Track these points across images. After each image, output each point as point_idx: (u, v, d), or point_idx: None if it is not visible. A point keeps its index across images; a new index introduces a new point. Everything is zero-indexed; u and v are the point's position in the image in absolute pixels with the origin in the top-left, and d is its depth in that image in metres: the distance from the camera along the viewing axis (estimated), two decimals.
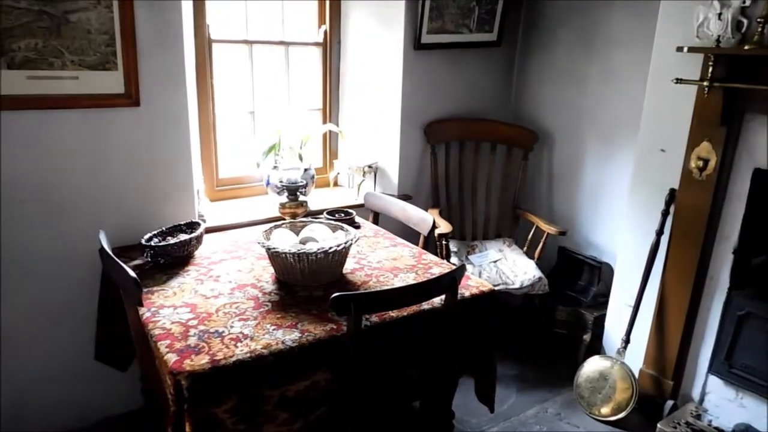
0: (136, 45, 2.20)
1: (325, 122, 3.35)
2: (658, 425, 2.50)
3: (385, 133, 3.23)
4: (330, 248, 1.98)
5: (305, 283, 2.04)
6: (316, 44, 3.25)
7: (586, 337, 3.06)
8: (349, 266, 2.22)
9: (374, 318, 1.82)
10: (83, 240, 2.25)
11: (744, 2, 2.17)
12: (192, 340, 1.66)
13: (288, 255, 1.97)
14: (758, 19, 2.12)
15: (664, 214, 2.60)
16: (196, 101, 2.81)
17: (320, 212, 2.75)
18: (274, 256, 2.04)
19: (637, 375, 2.71)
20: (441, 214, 3.18)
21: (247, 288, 2.03)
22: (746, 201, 2.38)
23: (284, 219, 2.59)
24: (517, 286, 2.93)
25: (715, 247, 2.50)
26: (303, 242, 2.13)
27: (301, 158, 3.01)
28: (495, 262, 3.12)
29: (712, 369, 2.54)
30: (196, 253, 2.31)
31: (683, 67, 2.39)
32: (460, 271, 1.88)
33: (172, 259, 2.19)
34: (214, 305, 1.89)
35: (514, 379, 2.96)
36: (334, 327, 1.77)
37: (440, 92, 3.26)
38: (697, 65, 2.35)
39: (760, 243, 2.40)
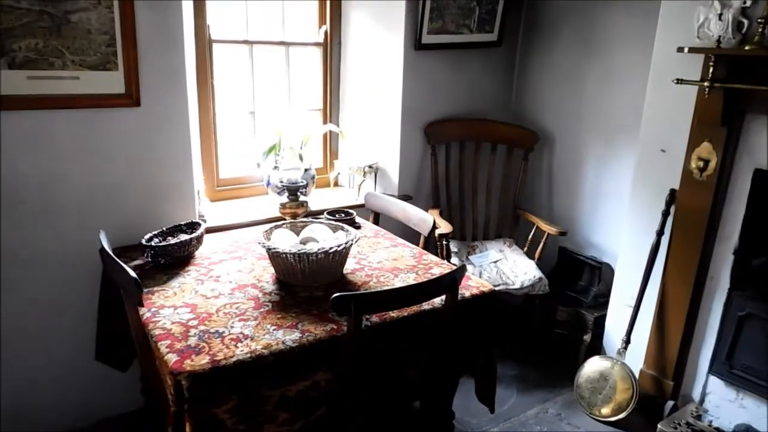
0: (136, 45, 2.20)
1: (325, 122, 3.35)
2: (659, 426, 2.50)
3: (385, 133, 3.23)
4: (330, 248, 1.98)
5: (306, 284, 2.04)
6: (317, 44, 3.25)
7: (587, 337, 3.05)
8: (349, 266, 2.22)
9: (375, 318, 1.82)
10: (84, 240, 2.25)
11: (745, 3, 2.16)
12: (192, 341, 1.66)
13: (288, 255, 1.97)
14: (759, 20, 2.12)
15: (665, 215, 2.60)
16: (197, 101, 2.81)
17: (321, 212, 2.75)
18: (275, 257, 2.04)
19: (637, 375, 2.71)
20: (441, 214, 3.18)
21: (248, 288, 2.03)
22: (747, 201, 2.37)
23: (285, 219, 2.59)
24: (517, 286, 2.93)
25: (716, 247, 2.50)
26: (303, 242, 2.13)
27: (301, 158, 3.01)
28: (495, 262, 3.12)
29: (713, 369, 2.54)
30: (197, 253, 2.31)
31: (684, 68, 2.39)
32: (460, 271, 1.88)
33: (172, 260, 2.19)
34: (215, 305, 1.89)
35: (514, 380, 2.96)
36: (335, 327, 1.77)
37: (441, 92, 3.26)
38: (698, 66, 2.35)
39: (761, 243, 2.40)
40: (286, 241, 2.11)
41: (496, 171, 3.43)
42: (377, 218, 2.95)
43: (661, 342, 2.69)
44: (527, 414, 2.71)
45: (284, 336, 1.71)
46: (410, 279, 2.16)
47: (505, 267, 3.07)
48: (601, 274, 3.21)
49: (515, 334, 3.36)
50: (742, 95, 2.27)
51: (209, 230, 2.52)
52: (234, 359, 1.58)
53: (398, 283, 2.11)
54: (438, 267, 2.28)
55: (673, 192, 2.57)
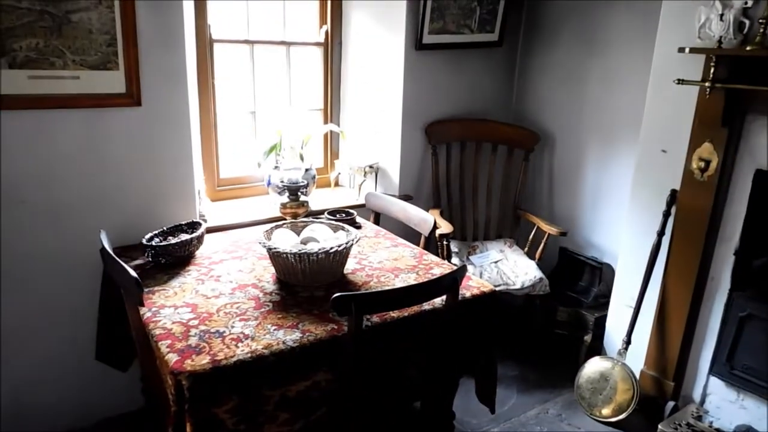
0: (137, 45, 2.20)
1: (326, 122, 3.35)
2: (659, 426, 2.50)
3: (386, 133, 3.23)
4: (331, 248, 1.98)
5: (306, 284, 2.04)
6: (318, 44, 3.25)
7: (587, 337, 3.05)
8: (350, 266, 2.22)
9: (375, 318, 1.82)
10: (84, 240, 2.25)
11: (746, 3, 2.16)
12: (193, 340, 1.66)
13: (289, 255, 1.97)
14: (760, 20, 2.12)
15: (666, 215, 2.59)
16: (198, 101, 2.81)
17: (321, 212, 2.75)
18: (275, 256, 2.03)
19: (638, 376, 2.71)
20: (442, 214, 3.18)
21: (248, 288, 2.03)
22: (748, 202, 2.37)
23: (285, 219, 2.59)
24: (518, 286, 2.93)
25: (717, 248, 2.50)
26: (304, 242, 2.13)
27: (302, 158, 3.01)
28: (496, 262, 3.11)
29: (713, 370, 2.54)
30: (197, 253, 2.31)
31: (685, 68, 2.39)
32: (461, 271, 1.88)
33: (173, 259, 2.18)
34: (215, 305, 1.89)
35: (514, 380, 2.96)
36: (335, 327, 1.77)
37: (441, 92, 3.26)
38: (699, 66, 2.35)
39: (762, 244, 2.40)
40: (286, 241, 2.11)
41: (496, 171, 3.43)
42: (378, 218, 2.95)
43: (662, 342, 2.68)
44: (528, 414, 2.71)
45: (285, 336, 1.70)
46: (411, 279, 2.16)
47: (506, 267, 3.07)
48: (601, 275, 3.21)
49: (516, 334, 3.36)
50: (743, 96, 2.27)
51: (210, 230, 2.52)
52: (234, 359, 1.58)
53: (399, 284, 2.11)
54: (438, 267, 2.28)
55: (674, 192, 2.57)
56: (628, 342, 2.74)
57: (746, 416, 2.46)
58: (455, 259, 3.06)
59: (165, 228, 2.34)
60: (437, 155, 3.25)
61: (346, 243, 2.04)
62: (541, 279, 2.97)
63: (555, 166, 3.50)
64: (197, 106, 2.81)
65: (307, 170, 2.94)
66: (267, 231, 2.18)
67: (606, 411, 2.66)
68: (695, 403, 2.62)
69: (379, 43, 3.11)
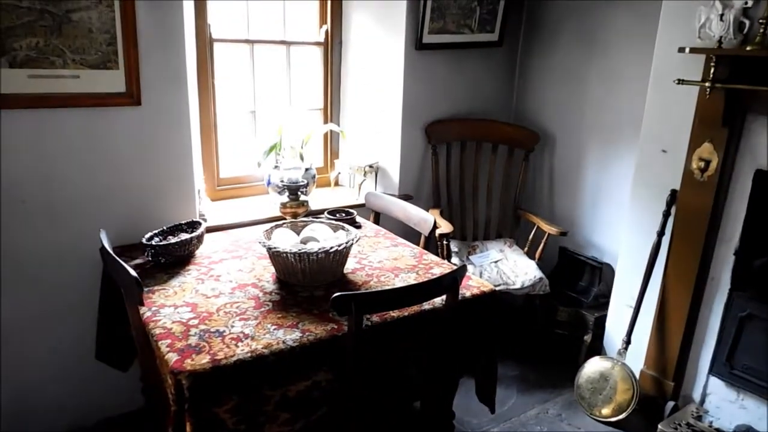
0: (137, 44, 2.20)
1: (326, 122, 3.34)
2: (659, 426, 2.50)
3: (386, 132, 3.23)
4: (331, 248, 1.98)
5: (306, 283, 2.04)
6: (318, 44, 3.24)
7: (587, 337, 3.05)
8: (350, 266, 2.22)
9: (375, 318, 1.82)
10: (84, 239, 2.25)
11: (746, 3, 2.16)
12: (193, 340, 1.66)
13: (289, 255, 1.97)
14: (760, 20, 2.12)
15: (666, 215, 2.59)
16: (198, 100, 2.81)
17: (321, 212, 2.75)
18: (275, 256, 2.03)
19: (637, 376, 2.71)
20: (442, 214, 3.18)
21: (248, 287, 2.03)
22: (748, 202, 2.37)
23: (285, 218, 2.59)
24: (518, 286, 2.93)
25: (717, 248, 2.50)
26: (304, 242, 2.13)
27: (302, 158, 3.01)
28: (496, 262, 3.11)
29: (713, 370, 2.54)
30: (197, 252, 2.31)
31: (685, 68, 2.39)
32: (461, 271, 1.88)
33: (173, 259, 2.18)
34: (215, 305, 1.89)
35: (514, 380, 2.96)
36: (335, 327, 1.77)
37: (441, 92, 3.26)
38: (699, 66, 2.35)
39: (762, 244, 2.40)
40: (286, 240, 2.11)
41: (496, 171, 3.42)
42: (378, 218, 2.95)
43: (662, 342, 2.68)
44: (528, 414, 2.71)
45: (285, 335, 1.70)
46: (411, 279, 2.16)
47: (506, 267, 3.07)
48: (601, 275, 3.21)
49: (516, 334, 3.36)
50: (743, 96, 2.27)
51: (210, 229, 2.52)
52: (234, 359, 1.58)
53: (399, 283, 2.11)
54: (438, 267, 2.28)
55: (674, 192, 2.57)
56: (628, 342, 2.74)
57: (746, 416, 2.46)
58: (455, 259, 3.06)
59: (165, 227, 2.33)
60: (437, 155, 3.25)
61: (346, 243, 2.04)
62: (541, 279, 2.97)
63: (555, 166, 3.50)
64: (197, 105, 2.81)
65: (307, 170, 2.94)
66: (267, 230, 2.17)
67: (606, 411, 2.66)
68: (695, 403, 2.62)
69: (379, 43, 3.11)
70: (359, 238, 2.14)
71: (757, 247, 2.41)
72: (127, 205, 2.35)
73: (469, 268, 2.84)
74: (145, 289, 1.94)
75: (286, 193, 2.64)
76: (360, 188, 3.23)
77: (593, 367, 2.76)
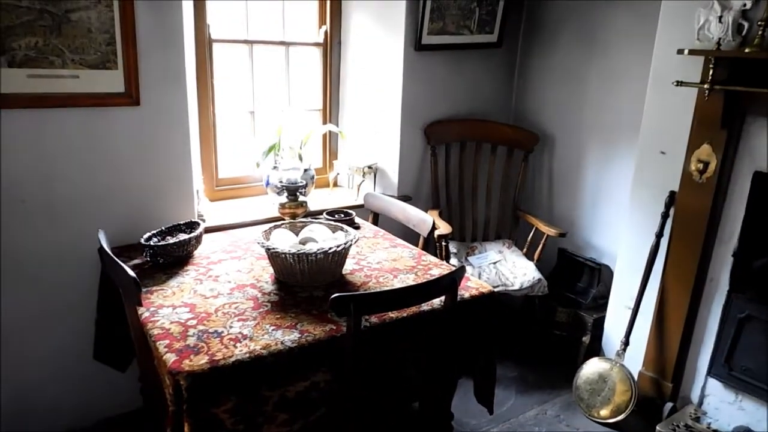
0: (136, 44, 2.19)
1: (325, 122, 3.34)
2: (658, 427, 2.50)
3: (385, 133, 3.23)
4: (330, 249, 1.97)
5: (305, 284, 2.04)
6: (317, 44, 3.24)
7: (586, 338, 3.06)
8: (348, 267, 2.22)
9: (374, 319, 1.82)
10: (83, 239, 2.25)
11: (745, 5, 2.16)
12: (191, 340, 1.66)
13: (288, 255, 1.97)
14: (759, 22, 2.12)
15: (664, 217, 2.60)
16: (197, 101, 2.81)
17: (320, 212, 2.75)
18: (274, 257, 2.03)
19: (636, 377, 2.71)
20: (441, 215, 3.18)
21: (247, 288, 2.03)
22: (746, 204, 2.38)
23: (284, 219, 2.59)
24: (516, 287, 2.93)
25: (715, 249, 2.50)
26: (303, 242, 2.13)
27: (301, 158, 3.01)
28: (495, 263, 3.11)
29: (712, 371, 2.54)
30: (196, 252, 2.31)
31: (684, 70, 2.39)
32: (459, 272, 1.88)
33: (171, 259, 2.18)
34: (214, 305, 1.89)
35: (513, 381, 2.96)
36: (334, 328, 1.77)
37: (441, 93, 3.26)
38: (698, 68, 2.35)
39: (761, 246, 2.40)
40: (285, 241, 2.11)
41: (495, 172, 3.43)
42: (376, 219, 2.94)
43: (660, 344, 2.68)
44: (526, 415, 2.71)
45: (283, 336, 1.70)
46: (409, 280, 2.16)
47: (505, 268, 3.07)
48: (600, 276, 3.21)
49: (514, 335, 3.36)
50: (742, 97, 2.27)
51: (208, 230, 2.52)
52: (233, 359, 1.58)
53: (397, 284, 2.11)
54: (437, 268, 2.28)
55: (672, 194, 2.57)
56: (626, 343, 2.74)
57: (744, 417, 2.46)
58: (454, 260, 3.06)
59: (163, 228, 2.33)
60: (436, 156, 3.25)
61: (345, 243, 2.04)
62: (539, 280, 2.97)
63: (554, 167, 3.50)
64: (196, 105, 2.81)
65: (305, 170, 2.94)
66: (266, 231, 2.17)
67: (604, 412, 2.66)
68: (693, 405, 2.63)
69: (379, 44, 3.11)
70: (358, 239, 2.14)
71: (756, 249, 2.41)
72: (125, 205, 2.35)
73: (468, 269, 2.84)
74: (144, 290, 1.94)
75: (285, 194, 2.64)
76: (359, 189, 3.23)
77: (592, 368, 2.76)
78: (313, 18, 3.22)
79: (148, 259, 2.17)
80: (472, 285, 2.12)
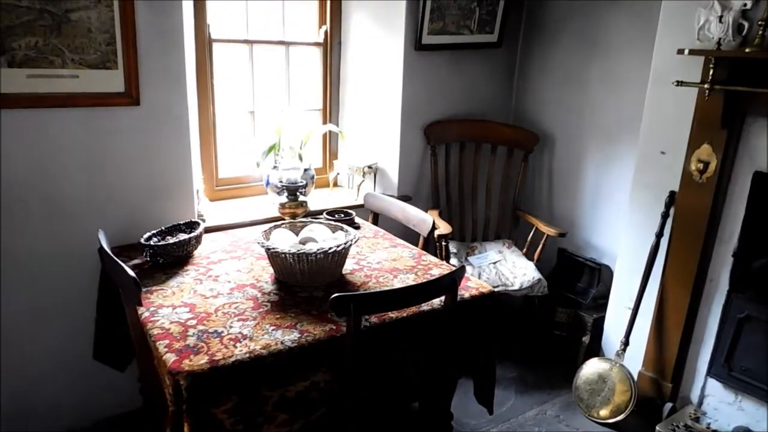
0: (136, 44, 2.19)
1: (325, 122, 3.34)
2: (657, 428, 2.50)
3: (385, 133, 3.23)
4: (330, 249, 1.97)
5: (305, 284, 2.04)
6: (317, 44, 3.24)
7: (586, 339, 3.06)
8: (348, 267, 2.22)
9: (374, 319, 1.82)
10: (82, 239, 2.25)
11: (745, 5, 2.16)
12: (191, 340, 1.66)
13: (287, 255, 1.97)
14: (759, 22, 2.12)
15: (664, 217, 2.60)
16: (197, 101, 2.81)
17: (320, 212, 2.75)
18: (274, 257, 2.03)
19: (636, 377, 2.71)
20: (441, 215, 3.18)
21: (247, 288, 2.03)
22: (746, 204, 2.38)
23: (284, 219, 2.59)
24: (516, 287, 2.93)
25: (715, 249, 2.50)
26: (303, 242, 2.13)
27: (301, 158, 3.01)
28: (494, 263, 3.11)
29: (712, 372, 2.54)
30: (196, 252, 2.31)
31: (684, 70, 2.39)
32: (459, 272, 1.88)
33: (171, 259, 2.18)
34: (213, 305, 1.89)
35: (513, 381, 2.96)
36: (334, 328, 1.77)
37: (441, 93, 3.26)
38: (698, 68, 2.35)
39: (761, 246, 2.40)
40: (285, 241, 2.11)
41: (495, 172, 3.43)
42: (376, 218, 2.94)
43: (660, 344, 2.68)
44: (526, 415, 2.71)
45: (283, 336, 1.70)
46: (409, 280, 2.16)
47: (505, 268, 3.07)
48: (600, 276, 3.21)
49: (514, 335, 3.36)
50: (742, 97, 2.27)
51: (208, 230, 2.52)
52: (233, 359, 1.58)
53: (397, 284, 2.11)
54: (437, 268, 2.28)
55: (672, 194, 2.57)
56: (626, 343, 2.74)
57: (744, 418, 2.46)
58: (454, 260, 3.06)
59: (163, 227, 2.33)
60: (436, 156, 3.25)
61: (345, 243, 2.04)
62: (539, 280, 2.97)
63: (554, 167, 3.50)
64: (196, 105, 2.80)
65: (305, 170, 2.94)
66: (265, 231, 2.17)
67: (604, 412, 2.66)
68: (693, 405, 2.63)
69: (379, 44, 3.11)
70: (358, 239, 2.14)
71: (756, 249, 2.41)
72: (125, 205, 2.35)
73: (468, 269, 2.84)
74: (144, 290, 1.94)
75: (285, 194, 2.64)
76: (359, 189, 3.23)
77: (591, 368, 2.76)
78: (313, 18, 3.22)
79: (148, 258, 2.17)
80: (472, 285, 2.12)
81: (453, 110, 3.35)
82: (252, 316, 1.82)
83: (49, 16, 2.02)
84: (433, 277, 1.96)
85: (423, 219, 2.64)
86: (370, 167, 3.20)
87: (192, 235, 2.25)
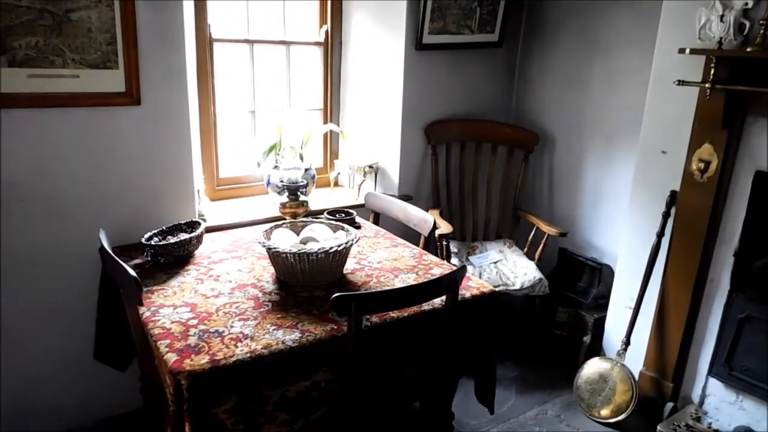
0: (137, 44, 2.19)
1: (326, 122, 3.34)
2: (658, 427, 2.50)
3: (386, 133, 3.22)
4: (330, 248, 1.97)
5: (306, 283, 2.04)
6: (318, 44, 3.24)
7: (586, 338, 3.05)
8: (349, 266, 2.22)
9: (375, 318, 1.82)
10: (83, 239, 2.25)
11: (746, 4, 2.16)
12: (192, 340, 1.66)
13: (288, 255, 1.97)
14: (761, 21, 2.12)
15: (665, 216, 2.59)
16: (197, 100, 2.81)
17: (321, 212, 2.75)
18: (275, 256, 2.03)
19: (637, 377, 2.71)
20: (442, 214, 3.18)
21: (248, 288, 2.03)
22: (747, 203, 2.37)
23: (285, 219, 2.59)
24: (517, 287, 2.93)
25: (716, 249, 2.50)
26: (303, 242, 2.12)
27: (301, 158, 3.01)
28: (495, 263, 3.11)
29: (713, 371, 2.54)
30: (197, 252, 2.31)
31: (685, 69, 2.39)
32: (460, 272, 1.88)
33: (172, 259, 2.18)
34: (214, 305, 1.89)
35: (514, 381, 2.96)
36: (335, 327, 1.76)
37: (441, 93, 3.26)
38: (699, 67, 2.35)
39: (762, 246, 2.40)
40: (286, 240, 2.11)
41: (496, 171, 3.42)
42: (377, 218, 2.94)
43: (661, 344, 2.68)
44: (526, 415, 2.71)
45: (284, 336, 1.70)
46: (410, 279, 2.16)
47: (505, 268, 3.07)
48: (601, 276, 3.21)
49: (515, 335, 3.36)
50: (743, 97, 2.27)
51: (209, 229, 2.52)
52: (234, 359, 1.58)
53: (398, 284, 2.11)
54: (438, 267, 2.28)
55: (673, 193, 2.57)
56: (627, 343, 2.73)
57: (745, 417, 2.46)
58: (455, 260, 3.06)
59: (164, 227, 2.33)
60: (437, 155, 3.25)
61: (346, 243, 2.04)
62: (540, 280, 2.96)
63: (555, 167, 3.50)
64: (197, 105, 2.80)
65: (306, 170, 2.94)
66: (266, 231, 2.17)
67: (605, 412, 2.66)
68: (694, 405, 2.62)
69: (380, 43, 3.11)
70: (359, 239, 2.14)
71: (757, 249, 2.41)
72: (126, 205, 2.35)
73: (469, 268, 2.84)
74: (145, 289, 1.94)
75: (286, 194, 2.64)
76: (360, 188, 3.23)
77: (592, 368, 2.76)
78: (313, 17, 3.22)
79: (149, 258, 2.17)
80: (472, 285, 2.12)
81: (453, 110, 3.34)
82: (253, 315, 1.82)
83: (50, 15, 2.02)
84: (434, 277, 1.96)
85: (424, 219, 2.63)
86: (370, 167, 3.20)
87: (193, 234, 2.25)
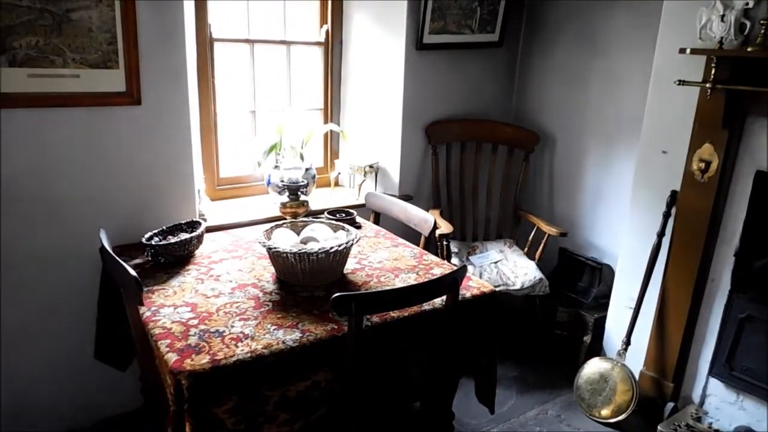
0: (137, 43, 2.19)
1: (326, 122, 3.34)
2: (659, 427, 2.50)
3: (386, 133, 3.22)
4: (331, 248, 1.97)
5: (306, 283, 2.04)
6: (318, 44, 3.24)
7: (587, 338, 3.05)
8: (350, 266, 2.22)
9: (375, 318, 1.82)
10: (83, 239, 2.25)
11: (747, 4, 2.16)
12: (192, 340, 1.66)
13: (289, 255, 1.97)
14: (761, 21, 2.12)
15: (666, 216, 2.59)
16: (198, 100, 2.81)
17: (321, 212, 2.74)
18: (275, 256, 2.03)
19: (637, 377, 2.71)
20: (442, 214, 3.18)
21: (248, 287, 2.03)
22: (748, 203, 2.37)
23: (285, 218, 2.58)
24: (517, 287, 2.93)
25: (717, 249, 2.50)
26: (304, 242, 2.12)
27: (302, 158, 3.01)
28: (496, 263, 3.11)
29: (713, 371, 2.54)
30: (197, 252, 2.31)
31: (686, 69, 2.39)
32: (461, 271, 1.88)
33: (172, 258, 2.18)
34: (215, 305, 1.89)
35: (514, 381, 2.96)
36: (335, 327, 1.76)
37: (442, 92, 3.26)
38: (700, 67, 2.34)
39: (762, 245, 2.40)
40: (286, 240, 2.11)
41: (496, 171, 3.42)
42: (378, 218, 2.94)
43: (662, 343, 2.68)
44: (527, 415, 2.71)
45: (284, 336, 1.70)
46: (411, 279, 2.15)
47: (506, 268, 3.07)
48: (601, 276, 3.21)
49: (515, 335, 3.36)
50: (744, 97, 2.26)
51: (209, 229, 2.52)
52: (234, 359, 1.58)
53: (399, 284, 2.11)
54: (439, 267, 2.28)
55: (674, 193, 2.57)
56: (627, 343, 2.73)
57: (746, 417, 2.46)
58: (455, 260, 3.05)
59: (165, 227, 2.33)
60: (437, 155, 3.25)
61: (346, 243, 2.03)
62: (540, 279, 2.96)
63: (555, 167, 3.50)
64: (197, 105, 2.81)
65: (307, 170, 2.94)
66: (267, 230, 2.17)
67: (605, 412, 2.66)
68: (695, 404, 2.62)
69: (380, 43, 3.11)
70: (359, 239, 2.14)
71: (758, 249, 2.41)
72: (126, 205, 2.35)
73: (469, 268, 2.84)
74: (145, 289, 1.94)
75: (286, 193, 2.64)
76: (360, 188, 3.23)
77: (593, 368, 2.76)
78: (314, 17, 3.22)
79: (150, 258, 2.17)
80: (473, 284, 2.12)
81: (454, 110, 3.34)
82: (253, 315, 1.82)
83: (50, 15, 2.02)
84: (435, 277, 1.96)
85: (424, 218, 2.63)
86: (371, 167, 3.20)
87: (193, 234, 2.25)
